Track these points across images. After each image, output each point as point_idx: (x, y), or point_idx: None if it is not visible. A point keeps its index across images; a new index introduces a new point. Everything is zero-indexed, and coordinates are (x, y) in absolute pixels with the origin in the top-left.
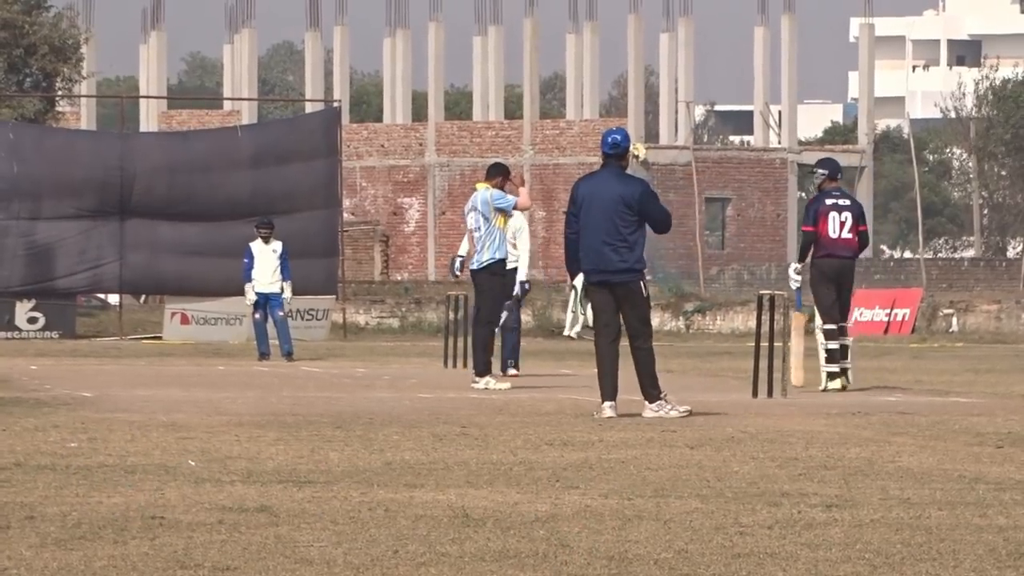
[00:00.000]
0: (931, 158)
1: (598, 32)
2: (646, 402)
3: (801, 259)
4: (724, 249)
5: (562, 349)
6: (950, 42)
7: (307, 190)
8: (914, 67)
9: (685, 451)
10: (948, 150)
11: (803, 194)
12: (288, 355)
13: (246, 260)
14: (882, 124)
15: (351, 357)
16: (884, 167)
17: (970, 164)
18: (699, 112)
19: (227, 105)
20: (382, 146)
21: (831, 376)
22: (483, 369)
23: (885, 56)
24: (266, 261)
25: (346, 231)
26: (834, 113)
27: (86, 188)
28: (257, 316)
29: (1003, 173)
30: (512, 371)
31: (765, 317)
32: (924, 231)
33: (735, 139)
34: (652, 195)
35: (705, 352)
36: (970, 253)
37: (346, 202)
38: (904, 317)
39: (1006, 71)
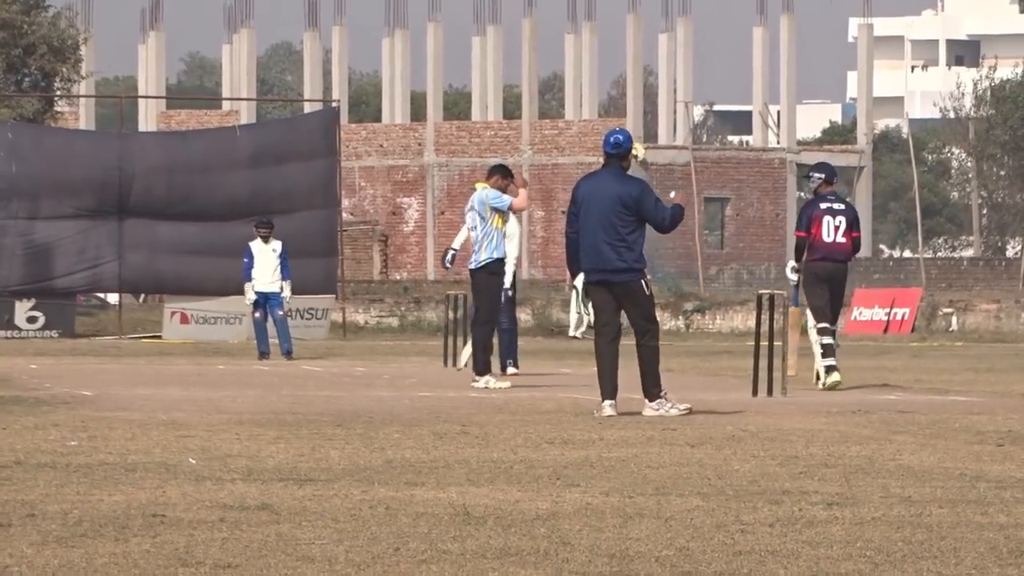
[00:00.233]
0: (930, 158)
1: (597, 32)
2: (646, 400)
3: (796, 261)
4: (723, 249)
5: (562, 348)
6: (949, 42)
7: (306, 190)
8: (913, 67)
9: (686, 449)
10: (947, 150)
11: (802, 194)
12: (288, 354)
13: (246, 259)
14: (881, 124)
15: (351, 356)
16: (883, 167)
17: (969, 164)
18: (698, 112)
19: (226, 105)
20: (381, 146)
21: (829, 370)
22: (483, 368)
23: (884, 56)
24: (266, 260)
25: (345, 231)
26: (833, 113)
27: (85, 188)
28: (257, 315)
29: (1002, 173)
30: (512, 370)
31: (764, 316)
32: (923, 231)
33: (734, 139)
34: (651, 196)
35: (705, 351)
36: (969, 253)
37: (345, 202)
38: (904, 316)
39: (1005, 71)
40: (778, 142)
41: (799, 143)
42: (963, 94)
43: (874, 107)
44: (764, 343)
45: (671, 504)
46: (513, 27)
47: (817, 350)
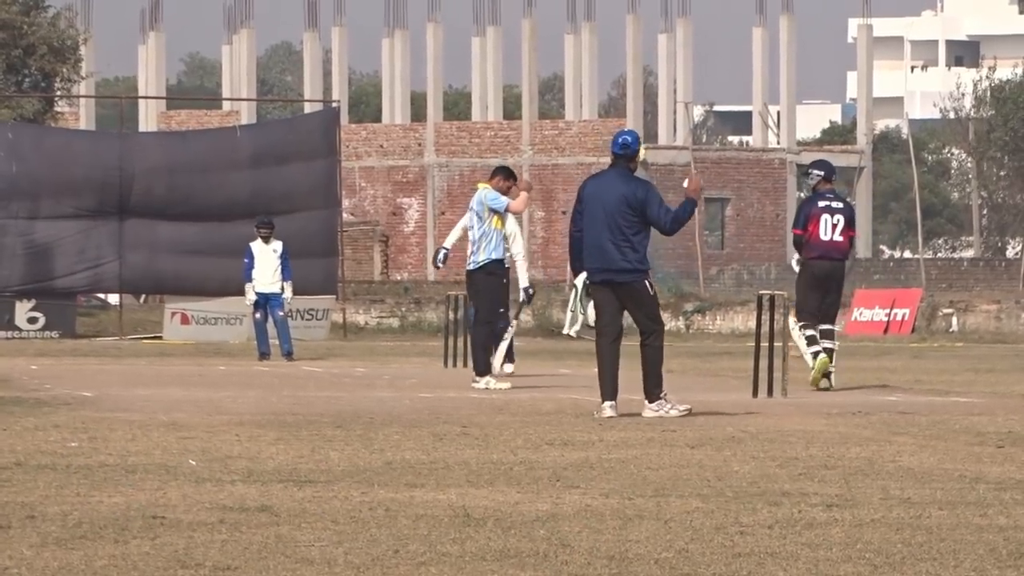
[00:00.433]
0: (930, 158)
1: (596, 33)
2: (646, 401)
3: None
4: (723, 249)
5: (561, 349)
6: (948, 43)
7: (306, 190)
8: (912, 68)
9: (685, 451)
10: (947, 150)
11: (802, 194)
12: (288, 355)
13: (246, 260)
14: (881, 124)
15: (351, 357)
16: (883, 167)
17: (969, 164)
18: (698, 112)
19: (226, 105)
20: (381, 146)
21: (815, 355)
22: (483, 369)
23: (883, 56)
24: (266, 261)
25: (345, 231)
26: (833, 113)
27: (85, 188)
28: (257, 316)
29: (1002, 173)
30: (508, 367)
31: (765, 317)
32: (923, 231)
33: (734, 139)
34: (656, 197)
35: (705, 352)
36: (969, 253)
37: (345, 202)
38: (904, 317)
39: (1004, 71)
40: (778, 142)
41: (799, 143)
42: (963, 95)
43: (874, 107)
44: (764, 344)
45: (671, 506)
46: (513, 27)
47: (802, 344)
